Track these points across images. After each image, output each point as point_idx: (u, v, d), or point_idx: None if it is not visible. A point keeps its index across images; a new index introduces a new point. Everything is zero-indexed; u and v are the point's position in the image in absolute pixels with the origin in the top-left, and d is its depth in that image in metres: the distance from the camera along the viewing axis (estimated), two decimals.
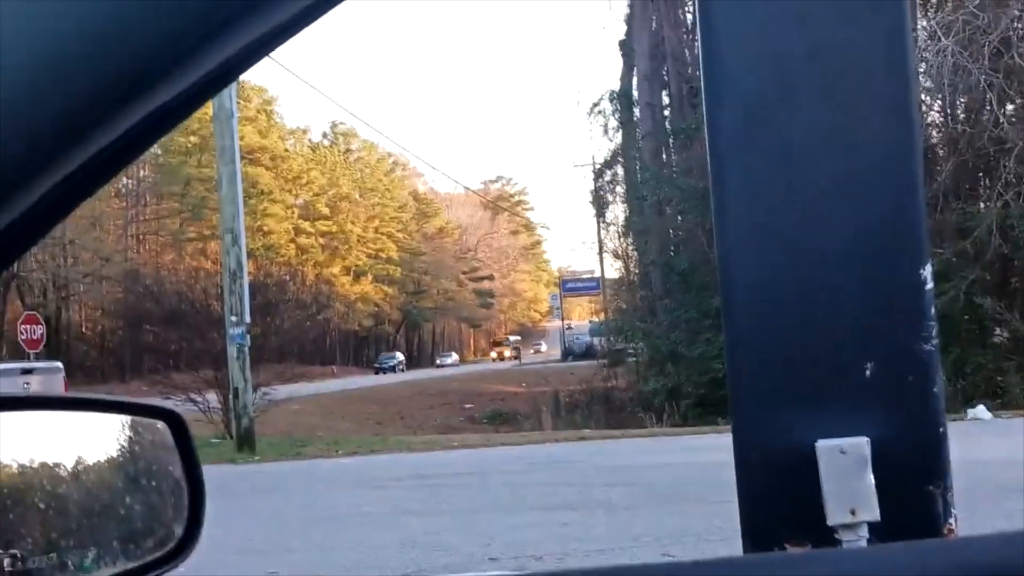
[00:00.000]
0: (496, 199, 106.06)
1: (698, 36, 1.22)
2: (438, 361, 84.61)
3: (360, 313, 79.56)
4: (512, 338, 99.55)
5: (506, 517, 9.71)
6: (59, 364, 21.96)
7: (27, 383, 21.30)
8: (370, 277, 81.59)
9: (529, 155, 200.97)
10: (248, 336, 19.52)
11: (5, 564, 1.09)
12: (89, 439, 1.23)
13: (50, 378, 22.41)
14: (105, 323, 57.96)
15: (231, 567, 7.77)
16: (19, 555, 1.11)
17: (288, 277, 37.07)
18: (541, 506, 10.21)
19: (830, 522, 1.11)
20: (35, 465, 1.17)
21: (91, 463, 1.23)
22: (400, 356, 78.46)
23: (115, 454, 1.27)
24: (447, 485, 12.29)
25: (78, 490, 1.22)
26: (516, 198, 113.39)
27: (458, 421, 37.40)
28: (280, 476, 14.61)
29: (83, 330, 59.35)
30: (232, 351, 19.30)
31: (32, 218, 0.68)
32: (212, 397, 22.42)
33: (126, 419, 1.28)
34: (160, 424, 1.29)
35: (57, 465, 1.19)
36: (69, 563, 1.17)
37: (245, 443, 18.68)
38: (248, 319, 19.50)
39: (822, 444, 1.11)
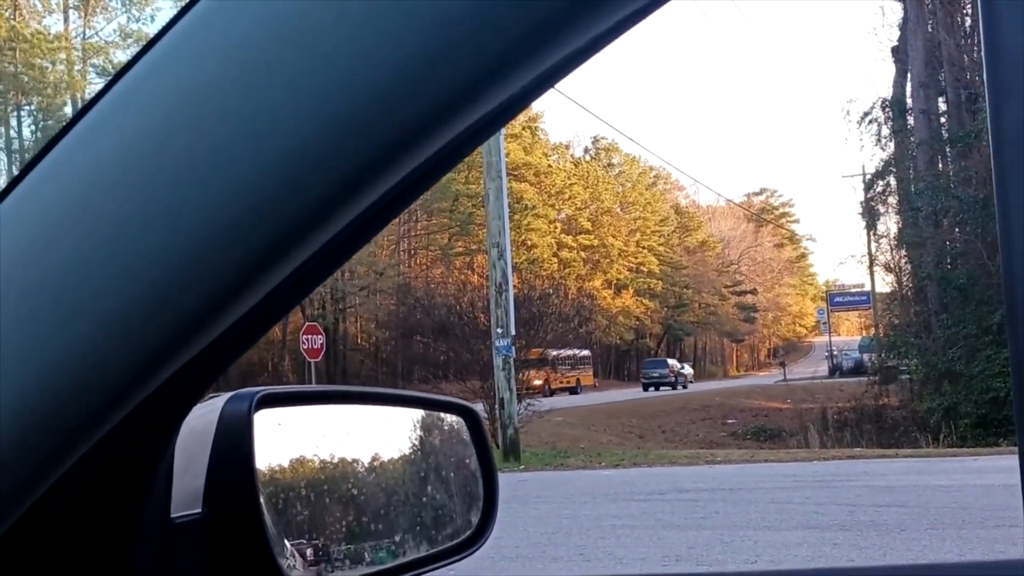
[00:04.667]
0: (759, 211, 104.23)
1: (979, 40, 1.19)
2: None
3: (621, 327, 79.74)
4: (575, 351, 57.55)
5: (772, 535, 9.53)
6: None
7: None
8: (631, 291, 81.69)
9: (794, 166, 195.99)
10: (514, 348, 19.97)
11: (308, 553, 1.17)
12: (385, 432, 1.32)
13: None
14: (378, 334, 60.58)
15: (500, 572, 8.00)
16: (321, 545, 1.20)
17: (551, 290, 37.54)
18: (808, 525, 9.96)
19: None
20: (335, 459, 1.25)
21: (387, 456, 1.32)
22: (677, 363, 70.66)
23: (411, 447, 1.35)
24: (711, 500, 12.16)
25: (376, 482, 1.30)
26: (780, 210, 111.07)
27: (720, 436, 36.88)
28: (544, 485, 14.86)
29: (358, 341, 62.19)
30: (498, 362, 19.80)
31: (351, 234, 0.76)
32: (479, 407, 23.01)
33: (418, 414, 1.37)
34: (454, 418, 1.37)
35: (355, 460, 1.28)
36: (366, 554, 1.25)
37: (511, 452, 19.11)
38: (513, 331, 19.95)
39: None
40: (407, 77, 0.64)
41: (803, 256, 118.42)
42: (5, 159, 51.46)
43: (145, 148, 0.69)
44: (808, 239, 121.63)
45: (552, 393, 46.35)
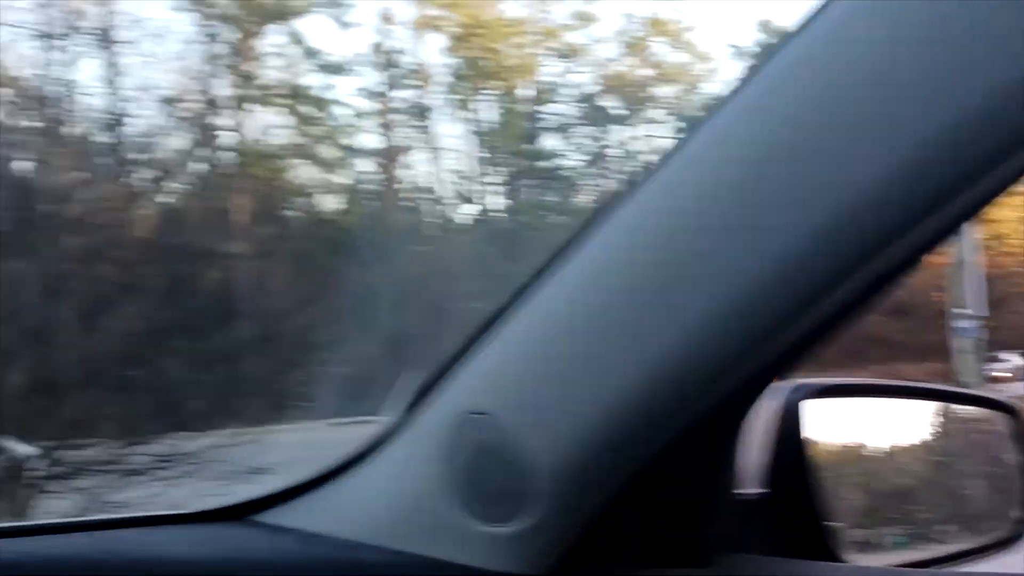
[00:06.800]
0: None
1: None
2: None
3: None
4: None
5: None
6: None
7: None
8: None
9: None
10: (979, 330, 18.78)
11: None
12: (921, 425, 1.31)
13: None
14: None
15: None
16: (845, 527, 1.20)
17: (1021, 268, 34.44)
18: None
19: None
20: (870, 448, 1.26)
21: (920, 447, 1.32)
22: None
23: (943, 440, 1.34)
24: None
25: (912, 473, 1.30)
26: None
27: None
28: None
29: None
30: (960, 345, 18.70)
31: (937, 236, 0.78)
32: None
33: (952, 407, 1.35)
34: (989, 413, 1.34)
35: (891, 449, 1.28)
36: (893, 540, 1.26)
37: None
38: (985, 312, 18.75)
39: None
40: None
41: None
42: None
43: (762, 155, 0.72)
44: None
45: None
